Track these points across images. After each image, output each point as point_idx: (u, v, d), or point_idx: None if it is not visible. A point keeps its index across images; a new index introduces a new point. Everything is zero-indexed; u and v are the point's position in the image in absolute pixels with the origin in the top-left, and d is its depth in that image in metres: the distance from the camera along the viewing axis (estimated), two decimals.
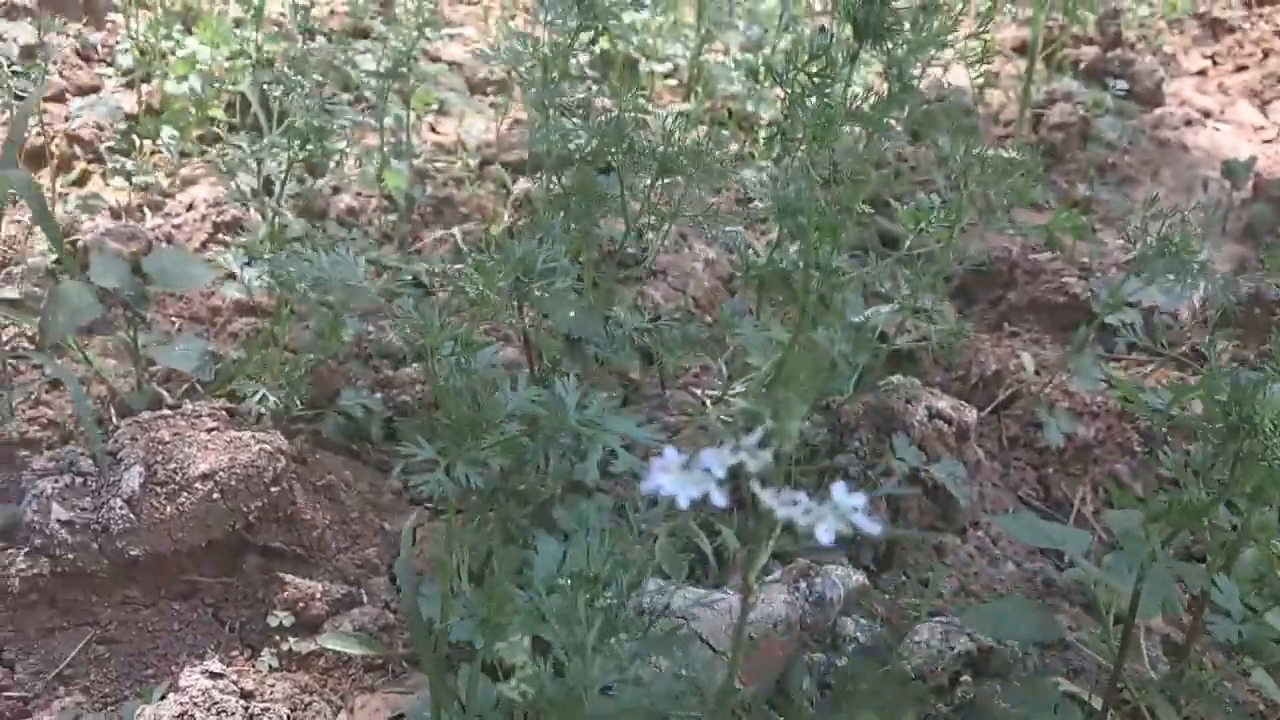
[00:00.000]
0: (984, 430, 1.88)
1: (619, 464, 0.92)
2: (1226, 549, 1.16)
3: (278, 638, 1.46)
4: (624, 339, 1.57)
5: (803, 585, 1.30)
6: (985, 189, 1.52)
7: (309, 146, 1.64)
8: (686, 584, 1.48)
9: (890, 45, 1.67)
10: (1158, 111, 3.34)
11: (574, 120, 1.79)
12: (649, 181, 1.62)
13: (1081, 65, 3.61)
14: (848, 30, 1.72)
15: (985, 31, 1.56)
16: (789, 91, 1.62)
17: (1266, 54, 3.87)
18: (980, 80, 3.49)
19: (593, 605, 0.84)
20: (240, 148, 1.91)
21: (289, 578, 1.51)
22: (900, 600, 1.46)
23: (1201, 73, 3.91)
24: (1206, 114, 3.53)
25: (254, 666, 1.42)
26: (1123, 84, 2.95)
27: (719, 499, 0.57)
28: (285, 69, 2.34)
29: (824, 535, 0.55)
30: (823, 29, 1.74)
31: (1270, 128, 3.48)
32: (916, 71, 2.38)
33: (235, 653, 1.45)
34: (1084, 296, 2.11)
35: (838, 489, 0.57)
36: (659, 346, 1.69)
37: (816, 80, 1.59)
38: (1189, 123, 3.34)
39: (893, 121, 2.53)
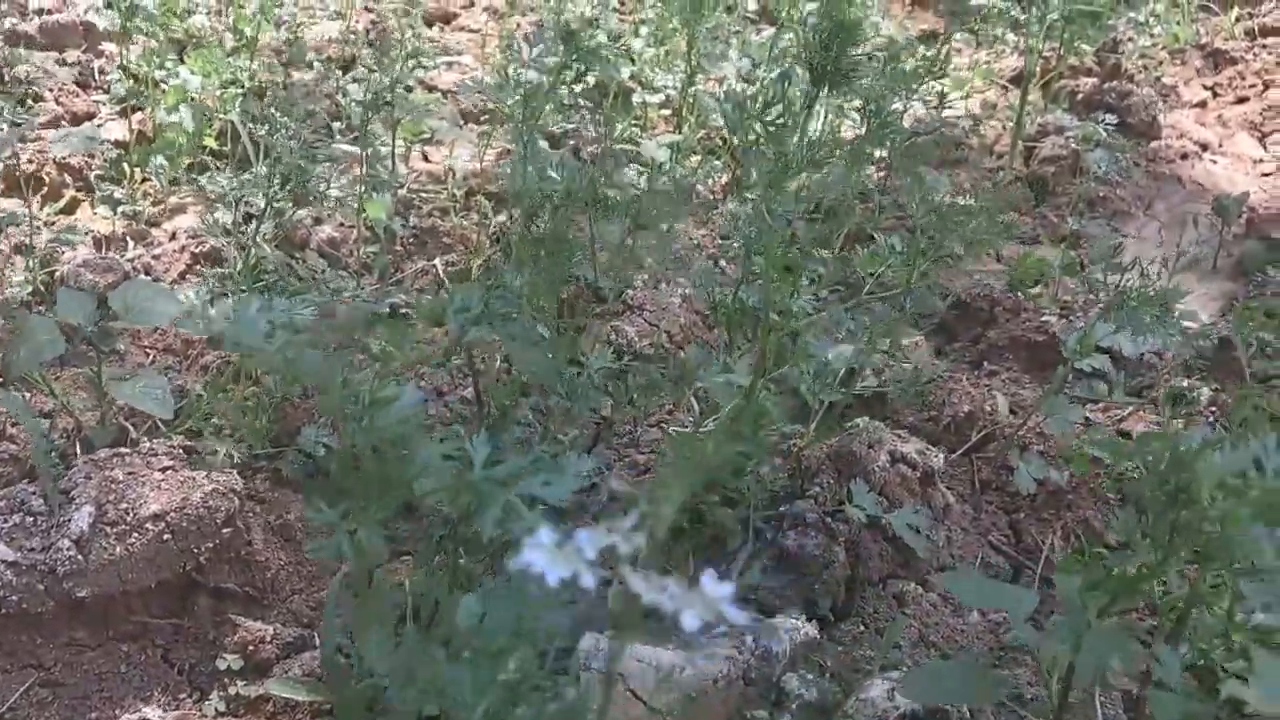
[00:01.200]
0: (956, 473, 1.85)
1: (520, 522, 0.90)
2: (1178, 610, 1.14)
3: (226, 681, 1.44)
4: (586, 383, 1.55)
5: (749, 639, 1.28)
6: (943, 235, 1.50)
7: (280, 183, 1.64)
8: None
9: (850, 87, 1.66)
10: (1153, 144, 3.31)
11: (552, 161, 1.78)
12: (622, 230, 1.61)
13: (1079, 96, 3.58)
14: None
15: (941, 73, 1.53)
16: (741, 140, 1.61)
17: (1267, 86, 3.83)
18: (947, 111, 3.49)
19: (499, 673, 0.82)
20: (217, 181, 1.91)
21: (240, 620, 1.50)
22: (855, 653, 1.43)
23: (1201, 104, 3.87)
24: (1204, 146, 3.50)
25: (200, 710, 1.41)
26: (1112, 117, 2.93)
27: (588, 580, 0.56)
28: (266, 103, 2.35)
29: (689, 622, 0.55)
30: (783, 75, 1.73)
31: (1269, 161, 3.44)
32: (899, 106, 2.37)
33: (183, 695, 1.44)
34: (1063, 336, 2.09)
35: (707, 578, 0.56)
36: (622, 388, 1.68)
37: (772, 129, 1.58)
38: (1185, 156, 3.31)
39: (873, 155, 2.52)
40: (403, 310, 2.31)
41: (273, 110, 1.82)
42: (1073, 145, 2.97)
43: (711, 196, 3.14)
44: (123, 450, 1.57)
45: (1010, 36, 4.25)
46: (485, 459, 0.95)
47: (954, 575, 1.36)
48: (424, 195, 2.75)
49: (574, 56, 1.88)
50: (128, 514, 1.45)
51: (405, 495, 0.95)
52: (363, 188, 2.36)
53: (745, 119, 1.77)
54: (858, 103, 2.79)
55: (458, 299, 1.24)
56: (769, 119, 1.65)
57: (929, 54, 3.87)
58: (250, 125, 2.63)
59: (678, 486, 0.60)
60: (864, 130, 2.09)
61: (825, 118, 3.20)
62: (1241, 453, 0.86)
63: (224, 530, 1.51)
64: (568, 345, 1.51)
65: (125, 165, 2.77)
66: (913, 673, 1.21)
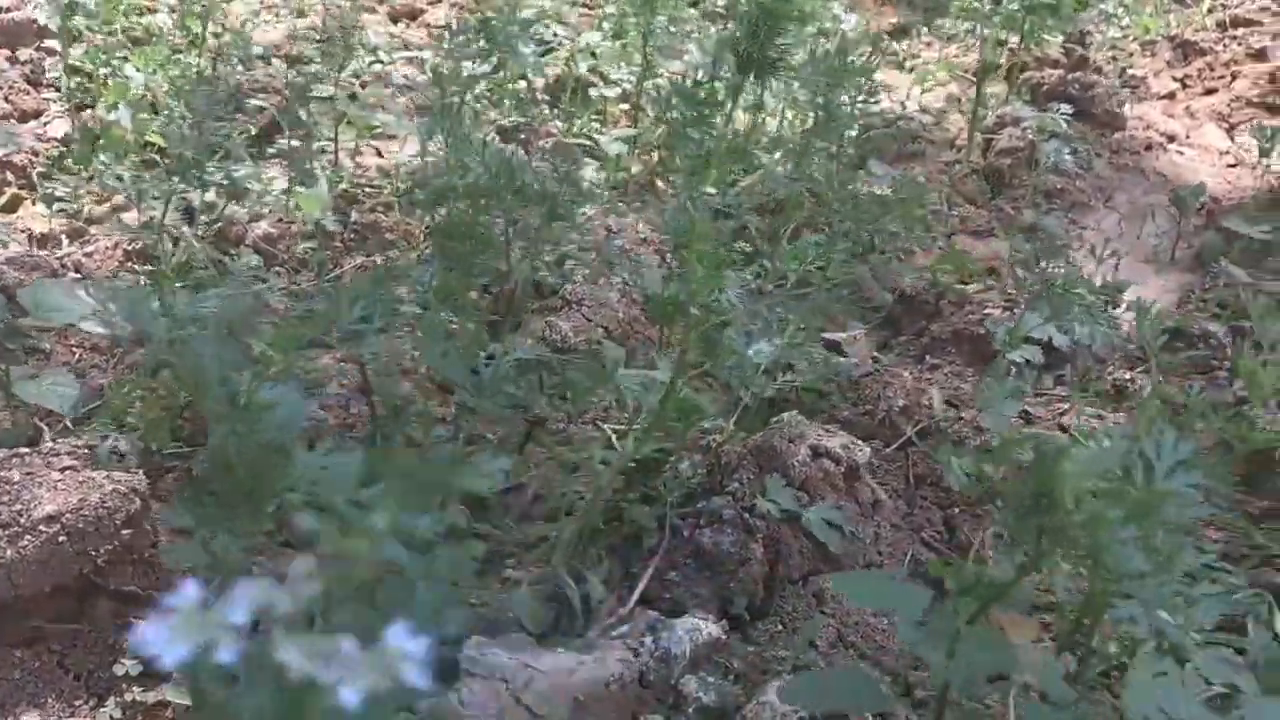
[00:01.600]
0: (890, 468, 1.82)
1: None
2: (1080, 614, 1.10)
3: (124, 686, 1.40)
4: (496, 378, 1.51)
5: (648, 640, 1.24)
6: (859, 226, 1.46)
7: (179, 173, 1.60)
8: (554, 636, 1.42)
9: (778, 76, 1.63)
10: (1116, 135, 3.28)
11: (460, 148, 1.74)
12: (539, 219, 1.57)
13: (1044, 88, 3.54)
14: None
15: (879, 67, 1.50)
16: (668, 123, 1.58)
17: (1235, 77, 3.80)
18: (910, 105, 3.46)
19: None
20: (119, 176, 1.87)
21: (141, 624, 1.46)
22: (768, 653, 1.39)
23: (1169, 96, 3.84)
24: (1171, 138, 3.46)
25: (94, 718, 1.37)
26: (1067, 107, 2.89)
27: (227, 655, 0.47)
28: (167, 98, 2.31)
29: (348, 697, 0.46)
30: (714, 62, 1.70)
31: (1236, 152, 3.40)
32: (848, 99, 2.33)
33: (79, 702, 1.40)
34: (992, 328, 2.05)
35: (394, 633, 0.49)
36: (536, 382, 1.64)
37: (697, 114, 1.54)
38: (1149, 147, 3.27)
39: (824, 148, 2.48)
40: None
41: (171, 103, 1.78)
42: (1029, 136, 2.93)
43: (672, 191, 3.10)
44: (23, 451, 1.53)
45: (983, 30, 4.21)
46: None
47: (844, 573, 1.32)
48: (368, 190, 2.71)
49: (490, 44, 1.84)
50: (20, 516, 1.41)
51: (273, 506, 0.91)
52: (291, 182, 2.31)
53: (674, 104, 1.73)
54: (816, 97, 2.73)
55: (349, 295, 1.20)
56: (696, 101, 1.62)
57: (881, 46, 3.83)
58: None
59: (390, 512, 0.54)
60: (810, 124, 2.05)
61: (784, 114, 3.17)
62: (1106, 453, 0.83)
63: (124, 531, 1.47)
64: (479, 339, 1.47)
65: (69, 163, 2.74)
66: (795, 679, 1.17)
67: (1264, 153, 2.65)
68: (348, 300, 1.20)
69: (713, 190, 3.01)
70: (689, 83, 1.63)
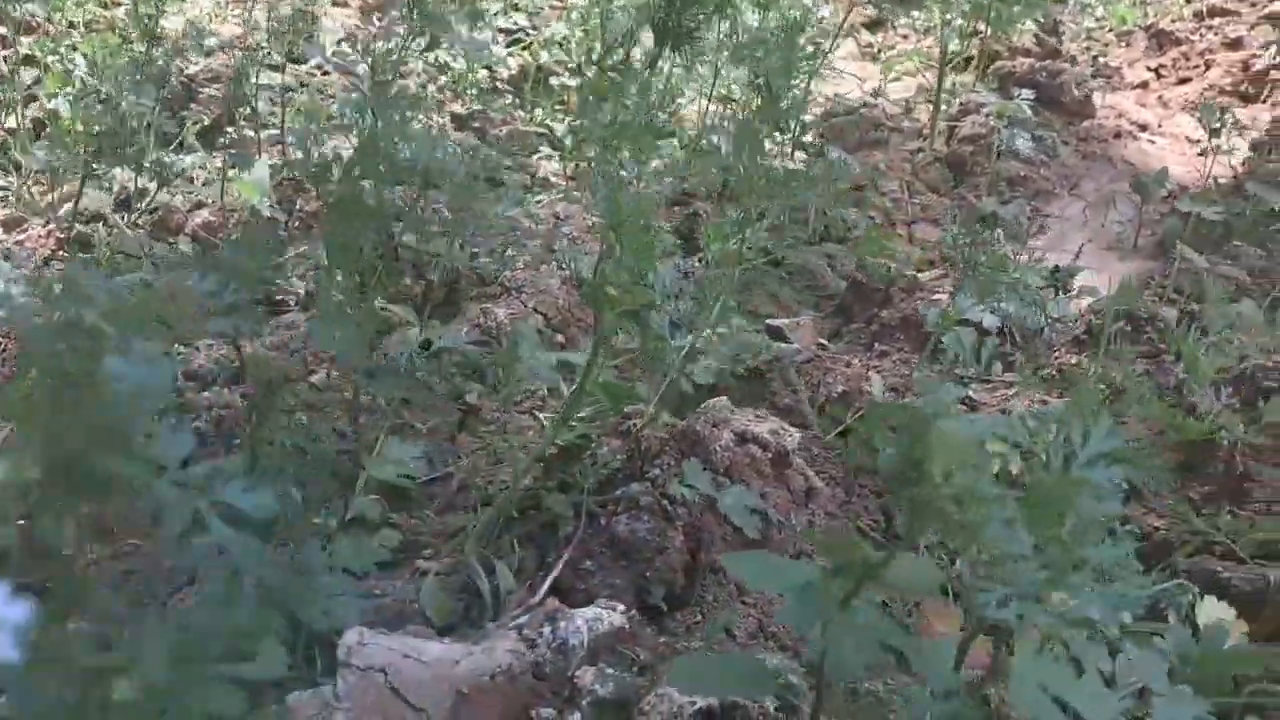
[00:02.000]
0: (828, 456, 1.77)
1: (209, 534, 0.80)
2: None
3: None
4: (395, 365, 1.46)
5: (546, 630, 1.19)
6: (770, 201, 1.41)
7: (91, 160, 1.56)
8: (462, 628, 1.38)
9: (693, 47, 1.58)
10: (1085, 124, 3.23)
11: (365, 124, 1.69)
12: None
13: (1015, 77, 3.50)
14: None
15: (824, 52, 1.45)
16: (580, 94, 1.53)
17: (1209, 66, 3.75)
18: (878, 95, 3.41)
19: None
20: (37, 156, 1.83)
21: None
22: (681, 644, 1.34)
23: (1143, 85, 3.79)
24: (1144, 127, 3.42)
25: None
26: (1029, 92, 2.84)
27: None
28: (94, 82, 2.27)
29: None
30: (630, 33, 1.65)
31: (1207, 140, 3.35)
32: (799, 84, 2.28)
33: None
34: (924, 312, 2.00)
35: None
36: (437, 370, 1.59)
37: (611, 81, 1.49)
38: (1118, 135, 3.23)
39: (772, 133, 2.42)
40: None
41: (100, 88, 1.74)
42: (990, 123, 2.88)
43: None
44: None
45: (958, 21, 4.16)
46: (182, 460, 0.85)
47: (737, 554, 1.27)
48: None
49: (423, 22, 1.80)
50: None
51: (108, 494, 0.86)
52: (224, 165, 2.27)
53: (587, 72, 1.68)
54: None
55: (210, 275, 1.15)
56: (608, 65, 1.57)
57: (848, 35, 3.79)
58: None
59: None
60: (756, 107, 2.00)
61: (750, 103, 3.12)
62: (978, 423, 0.78)
63: (20, 522, 1.42)
64: (372, 318, 1.41)
65: (13, 152, 2.70)
66: (678, 663, 1.13)
67: (1214, 134, 2.61)
68: (217, 277, 1.16)
69: (626, 161, 2.97)
70: (606, 54, 1.58)
